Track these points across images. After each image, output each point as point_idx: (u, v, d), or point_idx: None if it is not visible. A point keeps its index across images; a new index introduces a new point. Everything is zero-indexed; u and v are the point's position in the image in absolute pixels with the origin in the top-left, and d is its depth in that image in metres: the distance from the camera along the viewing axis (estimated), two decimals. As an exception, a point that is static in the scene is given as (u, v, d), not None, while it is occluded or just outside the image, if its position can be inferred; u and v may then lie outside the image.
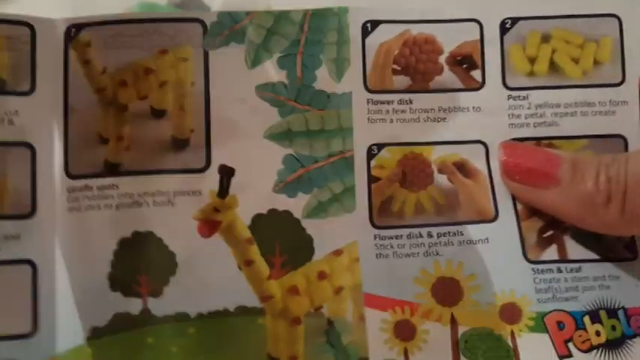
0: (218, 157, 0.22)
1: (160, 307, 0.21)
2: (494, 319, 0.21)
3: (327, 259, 0.22)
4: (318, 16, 0.23)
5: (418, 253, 0.22)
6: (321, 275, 0.22)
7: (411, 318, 0.21)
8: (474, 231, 0.22)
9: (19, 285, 0.21)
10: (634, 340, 0.21)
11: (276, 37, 0.23)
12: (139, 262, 0.21)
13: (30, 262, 0.21)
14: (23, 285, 0.21)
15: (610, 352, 0.21)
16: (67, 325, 0.21)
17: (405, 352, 0.21)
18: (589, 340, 0.21)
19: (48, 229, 0.21)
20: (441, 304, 0.22)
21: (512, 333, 0.21)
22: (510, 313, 0.21)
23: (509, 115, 0.23)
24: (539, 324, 0.21)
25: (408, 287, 0.22)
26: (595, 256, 0.22)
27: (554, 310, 0.21)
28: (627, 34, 0.23)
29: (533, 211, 0.22)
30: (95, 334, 0.21)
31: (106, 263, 0.21)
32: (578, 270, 0.22)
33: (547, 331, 0.21)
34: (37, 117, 0.21)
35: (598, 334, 0.21)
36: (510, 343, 0.21)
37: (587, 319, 0.21)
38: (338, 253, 0.22)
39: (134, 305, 0.21)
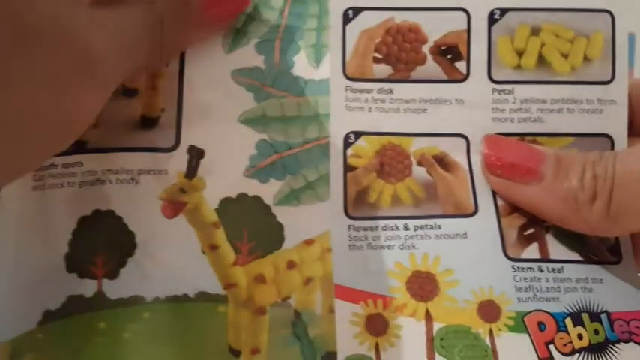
0: (188, 138, 0.21)
1: (114, 289, 0.20)
2: (472, 316, 0.20)
3: (298, 248, 0.21)
4: (298, 2, 0.22)
5: (393, 245, 0.21)
6: (291, 264, 0.21)
7: (383, 312, 0.20)
8: (452, 225, 0.21)
9: None
10: (618, 345, 0.20)
11: (255, 23, 0.22)
12: (96, 241, 0.20)
13: None
14: None
15: (593, 357, 0.20)
16: (19, 308, 0.19)
17: (376, 347, 0.20)
18: (571, 342, 0.20)
19: (12, 209, 0.20)
20: (415, 298, 0.20)
21: (491, 332, 0.20)
22: (488, 310, 0.20)
23: (493, 109, 0.22)
24: (519, 324, 0.20)
25: (382, 280, 0.21)
26: (578, 257, 0.21)
27: (535, 310, 0.20)
28: (619, 31, 0.22)
29: (515, 208, 0.22)
30: (47, 319, 0.19)
31: (65, 243, 0.20)
32: (560, 270, 0.21)
33: (527, 332, 0.20)
34: None
35: (580, 337, 0.20)
36: (489, 343, 0.20)
37: (568, 321, 0.20)
38: (309, 242, 0.21)
39: (89, 287, 0.20)
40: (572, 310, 0.20)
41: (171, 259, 0.20)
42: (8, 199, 0.20)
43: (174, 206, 0.20)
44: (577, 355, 0.20)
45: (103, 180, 0.21)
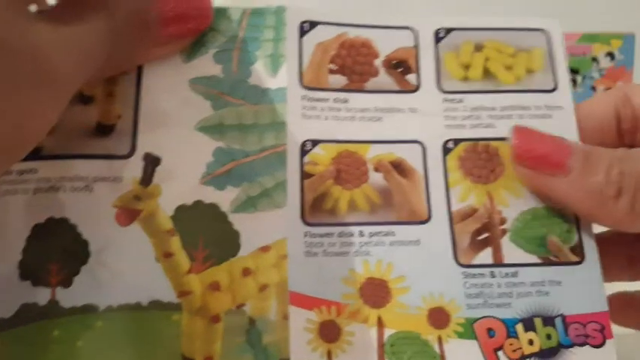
0: (144, 145, 0.21)
1: (68, 298, 0.20)
2: (422, 323, 0.20)
3: (254, 255, 0.21)
4: (256, 14, 0.23)
5: (348, 252, 0.21)
6: (246, 272, 0.21)
7: (336, 318, 0.20)
8: (405, 232, 0.21)
9: None
10: (571, 349, 0.20)
11: (213, 33, 0.23)
12: (50, 249, 0.20)
13: None
14: None
15: (543, 362, 0.20)
16: None
17: (329, 354, 0.20)
18: (520, 348, 0.20)
19: None
20: (368, 305, 0.21)
21: (440, 338, 0.20)
22: (438, 317, 0.20)
23: (445, 116, 0.23)
24: (468, 330, 0.20)
25: (336, 287, 0.21)
26: (535, 260, 0.21)
27: (485, 317, 0.21)
28: (555, 46, 0.24)
29: (469, 214, 0.22)
30: (0, 327, 0.19)
31: (18, 251, 0.20)
32: (514, 275, 0.21)
33: (476, 338, 0.20)
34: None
35: (531, 342, 0.20)
36: (437, 349, 0.20)
37: (519, 327, 0.21)
38: (265, 249, 0.21)
39: (42, 295, 0.20)
40: (524, 316, 0.21)
41: (125, 268, 0.20)
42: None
43: (128, 214, 0.20)
44: (527, 360, 0.20)
45: (57, 187, 0.21)
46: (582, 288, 0.21)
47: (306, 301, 0.20)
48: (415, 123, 0.23)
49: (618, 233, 0.25)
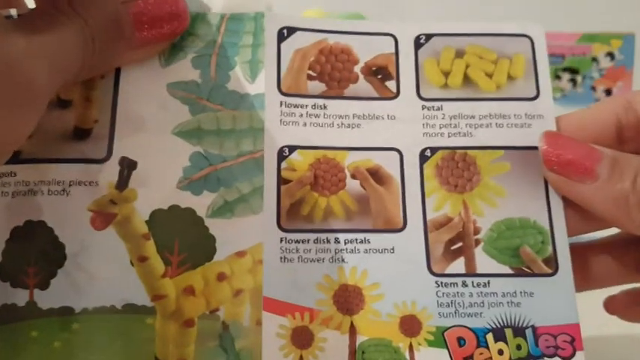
0: (121, 150, 0.21)
1: (45, 299, 0.20)
2: (394, 330, 0.21)
3: (229, 260, 0.21)
4: (235, 19, 0.23)
5: (324, 259, 0.21)
6: (221, 276, 0.21)
7: (309, 325, 0.21)
8: (380, 240, 0.22)
9: None
10: None
11: (192, 38, 0.23)
12: (28, 252, 0.20)
13: None
14: None
15: (512, 372, 0.20)
16: None
17: (300, 360, 0.20)
18: (490, 358, 0.20)
19: None
20: (341, 311, 0.21)
21: (411, 346, 0.20)
22: (410, 325, 0.21)
23: (423, 124, 0.23)
24: (439, 339, 0.21)
25: (310, 293, 0.21)
26: (507, 271, 0.22)
27: (456, 326, 0.21)
28: (538, 52, 0.23)
29: (443, 223, 0.22)
30: None
31: None
32: (486, 285, 0.21)
33: (447, 347, 0.20)
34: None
35: (501, 352, 0.21)
36: (408, 357, 0.20)
37: (490, 337, 0.21)
38: (241, 254, 0.21)
39: (21, 297, 0.20)
40: (495, 326, 0.21)
41: (100, 271, 0.20)
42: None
43: (103, 218, 0.21)
44: (496, 369, 0.20)
45: (35, 191, 0.21)
46: (554, 299, 0.21)
47: (280, 307, 0.21)
48: (393, 130, 0.23)
49: (628, 238, 0.25)
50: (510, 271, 0.22)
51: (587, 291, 0.25)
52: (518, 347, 0.21)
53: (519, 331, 0.21)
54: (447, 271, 0.21)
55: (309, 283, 0.21)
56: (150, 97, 0.22)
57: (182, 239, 0.21)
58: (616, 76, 0.57)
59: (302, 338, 0.20)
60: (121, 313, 0.20)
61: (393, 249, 0.22)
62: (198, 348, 0.20)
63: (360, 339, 0.20)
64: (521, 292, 0.21)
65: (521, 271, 0.22)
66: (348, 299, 0.21)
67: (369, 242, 0.22)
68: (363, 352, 0.20)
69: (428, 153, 0.22)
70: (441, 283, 0.21)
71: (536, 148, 0.22)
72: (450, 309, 0.21)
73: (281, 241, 0.21)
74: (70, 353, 0.20)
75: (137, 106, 0.22)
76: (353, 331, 0.21)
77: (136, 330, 0.20)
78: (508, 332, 0.21)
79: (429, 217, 0.22)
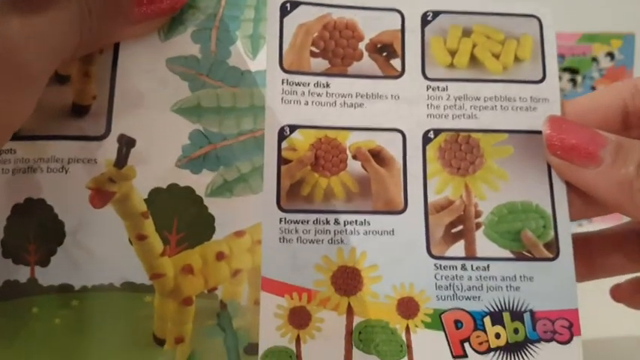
0: (119, 127, 0.21)
1: (46, 276, 0.20)
2: (391, 312, 0.21)
3: (228, 239, 0.21)
4: None
5: (323, 240, 0.21)
6: (220, 256, 0.21)
7: (307, 305, 0.21)
8: (380, 221, 0.21)
9: None
10: (538, 345, 0.21)
11: (192, 11, 0.22)
12: (28, 229, 0.20)
13: None
14: None
15: (509, 356, 0.20)
16: None
17: (297, 340, 0.20)
18: (487, 341, 0.21)
19: None
20: (339, 292, 0.21)
21: (408, 328, 0.20)
22: (407, 307, 0.21)
23: (427, 105, 0.22)
24: (436, 321, 0.21)
25: (308, 274, 0.21)
26: (508, 255, 0.21)
27: (454, 309, 0.21)
28: (547, 34, 0.23)
29: (445, 205, 0.22)
30: None
31: (0, 229, 0.20)
32: (486, 269, 0.21)
33: (443, 329, 0.21)
34: None
35: (498, 336, 0.21)
36: (404, 338, 0.20)
37: (487, 320, 0.21)
38: (240, 234, 0.21)
39: (22, 273, 0.20)
40: (492, 309, 0.21)
41: (98, 249, 0.20)
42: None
43: (102, 195, 0.21)
44: (492, 353, 0.20)
45: (34, 168, 0.21)
46: (554, 285, 0.21)
47: (278, 287, 0.21)
48: (397, 111, 0.22)
49: (632, 228, 0.25)
50: (511, 255, 0.21)
51: (592, 280, 0.25)
52: (516, 331, 0.21)
53: (517, 315, 0.21)
54: (447, 254, 0.21)
55: (307, 263, 0.21)
56: (149, 73, 0.21)
57: (181, 218, 0.21)
58: (616, 76, 0.57)
59: (299, 318, 0.21)
60: (119, 291, 0.20)
61: (392, 231, 0.21)
62: (196, 326, 0.20)
63: (357, 320, 0.21)
64: (520, 277, 0.21)
65: (522, 255, 0.22)
66: (346, 280, 0.21)
67: (369, 224, 0.21)
68: (359, 333, 0.20)
69: (431, 135, 0.22)
70: (440, 265, 0.21)
71: (540, 132, 0.22)
72: (449, 292, 0.21)
73: (280, 221, 0.21)
74: (69, 330, 0.20)
75: (136, 81, 0.21)
76: (350, 312, 0.21)
77: (135, 308, 0.20)
78: (506, 316, 0.21)
79: (430, 199, 0.22)
